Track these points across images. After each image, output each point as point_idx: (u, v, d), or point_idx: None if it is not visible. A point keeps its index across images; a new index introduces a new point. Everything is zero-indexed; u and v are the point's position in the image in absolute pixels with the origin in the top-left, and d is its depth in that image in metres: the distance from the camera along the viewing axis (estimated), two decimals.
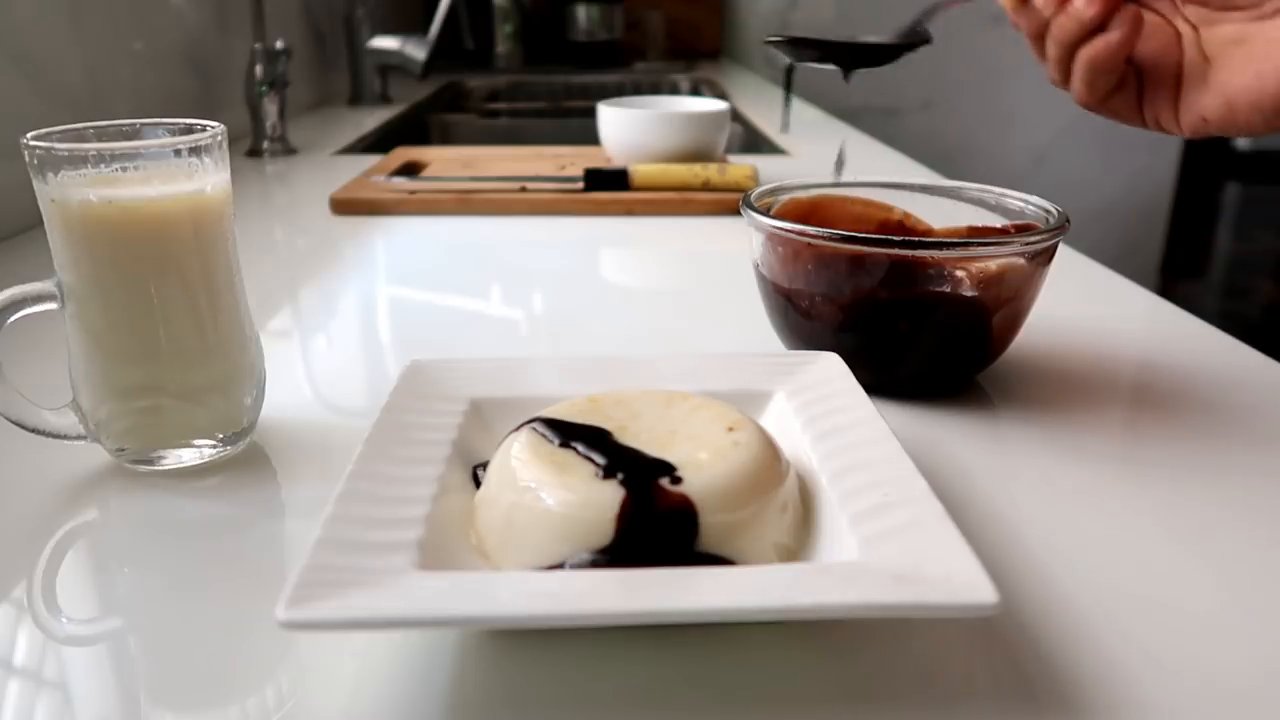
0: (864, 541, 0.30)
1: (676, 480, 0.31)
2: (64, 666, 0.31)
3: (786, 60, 0.51)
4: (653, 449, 0.33)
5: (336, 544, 0.29)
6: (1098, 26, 0.42)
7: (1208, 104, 0.42)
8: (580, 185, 0.88)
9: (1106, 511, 0.39)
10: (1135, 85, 0.44)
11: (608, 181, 0.88)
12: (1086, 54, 0.43)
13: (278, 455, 0.44)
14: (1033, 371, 0.52)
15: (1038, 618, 0.32)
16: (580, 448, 0.33)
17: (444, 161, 1.03)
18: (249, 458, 0.43)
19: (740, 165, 0.90)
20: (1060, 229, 0.46)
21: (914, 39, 0.49)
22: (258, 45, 1.11)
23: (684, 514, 0.31)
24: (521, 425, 0.35)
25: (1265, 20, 0.41)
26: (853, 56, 0.46)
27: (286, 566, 0.36)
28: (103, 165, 0.38)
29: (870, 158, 1.15)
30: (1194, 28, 0.43)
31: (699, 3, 2.49)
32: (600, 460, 0.32)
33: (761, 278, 0.51)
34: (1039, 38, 0.45)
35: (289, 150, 1.15)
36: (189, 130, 0.40)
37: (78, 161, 0.37)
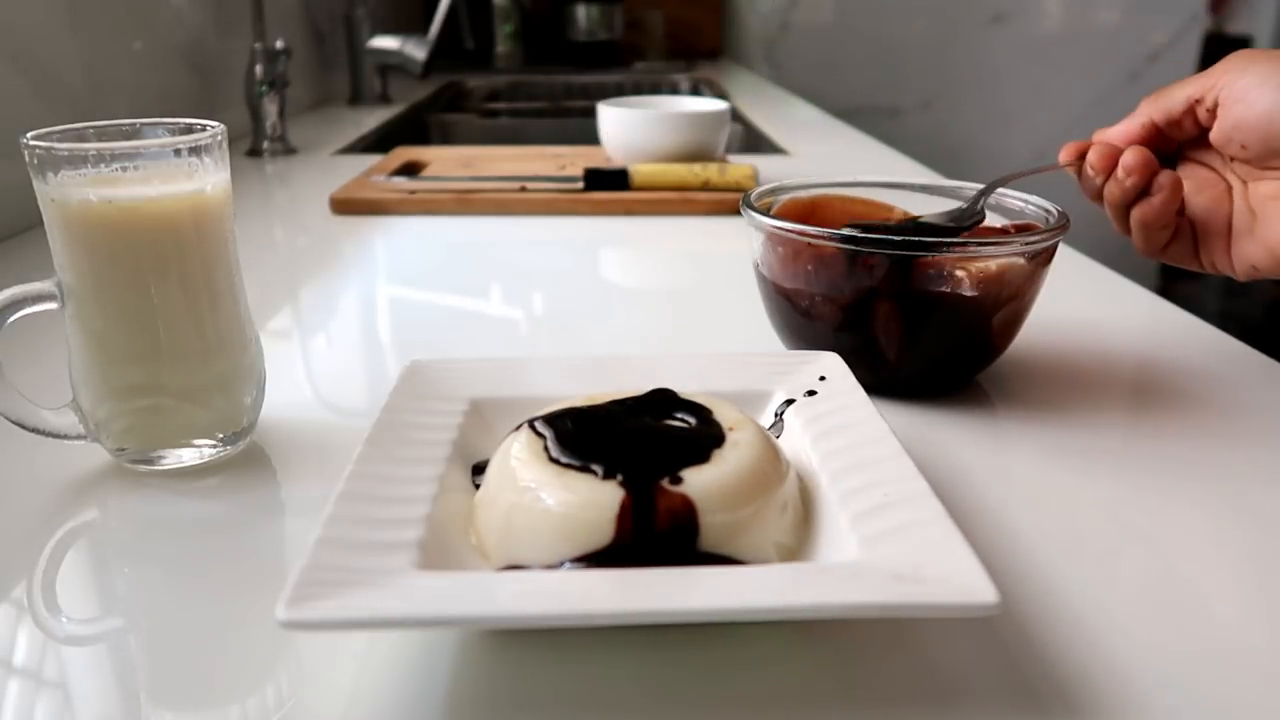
0: (864, 541, 0.30)
1: (677, 480, 0.31)
2: (64, 666, 0.31)
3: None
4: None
5: (336, 544, 0.29)
6: (1143, 190, 0.47)
7: (1256, 254, 0.46)
8: (580, 185, 0.88)
9: (1106, 510, 0.39)
10: (1190, 235, 0.48)
11: (608, 181, 0.88)
12: (1137, 215, 0.47)
13: (278, 455, 0.44)
14: (1033, 371, 0.52)
15: (1038, 618, 0.32)
16: (574, 460, 0.32)
17: (444, 161, 1.03)
18: (249, 458, 0.43)
19: (740, 165, 0.90)
20: (1060, 229, 0.46)
21: (971, 220, 0.50)
22: (258, 45, 1.11)
23: (684, 514, 0.31)
24: (521, 425, 0.35)
25: None
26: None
27: (286, 566, 0.36)
28: (103, 165, 0.38)
29: (870, 158, 1.15)
30: (1242, 182, 0.46)
31: (699, 3, 2.49)
32: (597, 468, 0.32)
33: (761, 278, 0.51)
34: (1099, 198, 0.49)
35: (289, 150, 1.15)
36: (189, 130, 0.40)
37: (78, 161, 0.37)
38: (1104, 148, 0.48)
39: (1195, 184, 0.48)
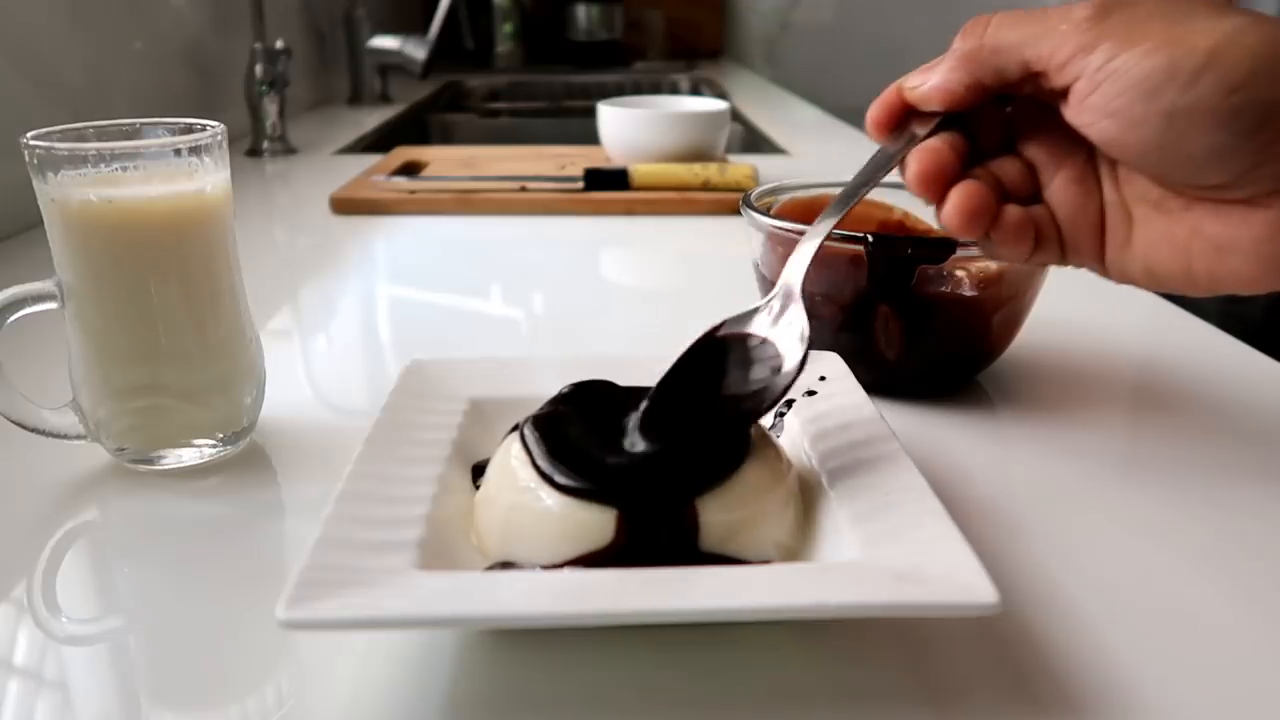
0: (864, 541, 0.30)
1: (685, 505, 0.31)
2: (64, 666, 0.31)
3: None
4: None
5: (336, 543, 0.29)
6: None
7: (1133, 270, 0.36)
8: (580, 185, 0.88)
9: (1106, 510, 0.39)
10: (1055, 233, 0.37)
11: (608, 181, 0.88)
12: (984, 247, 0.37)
13: (278, 455, 0.44)
14: (1033, 371, 0.52)
15: (1038, 618, 0.32)
16: (570, 483, 0.31)
17: (444, 161, 1.03)
18: (249, 458, 0.43)
19: (740, 165, 0.90)
20: None
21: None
22: (258, 45, 1.11)
23: (684, 514, 0.31)
24: (520, 424, 0.35)
25: (1190, 201, 0.34)
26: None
27: (286, 566, 0.36)
28: (103, 165, 0.38)
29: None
30: (1112, 167, 0.36)
31: (699, 3, 2.49)
32: (598, 501, 0.31)
33: (761, 278, 0.51)
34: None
35: (289, 150, 1.15)
36: (189, 130, 0.40)
37: (78, 161, 0.37)
38: (926, 163, 0.36)
39: (1049, 158, 0.36)
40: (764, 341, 0.36)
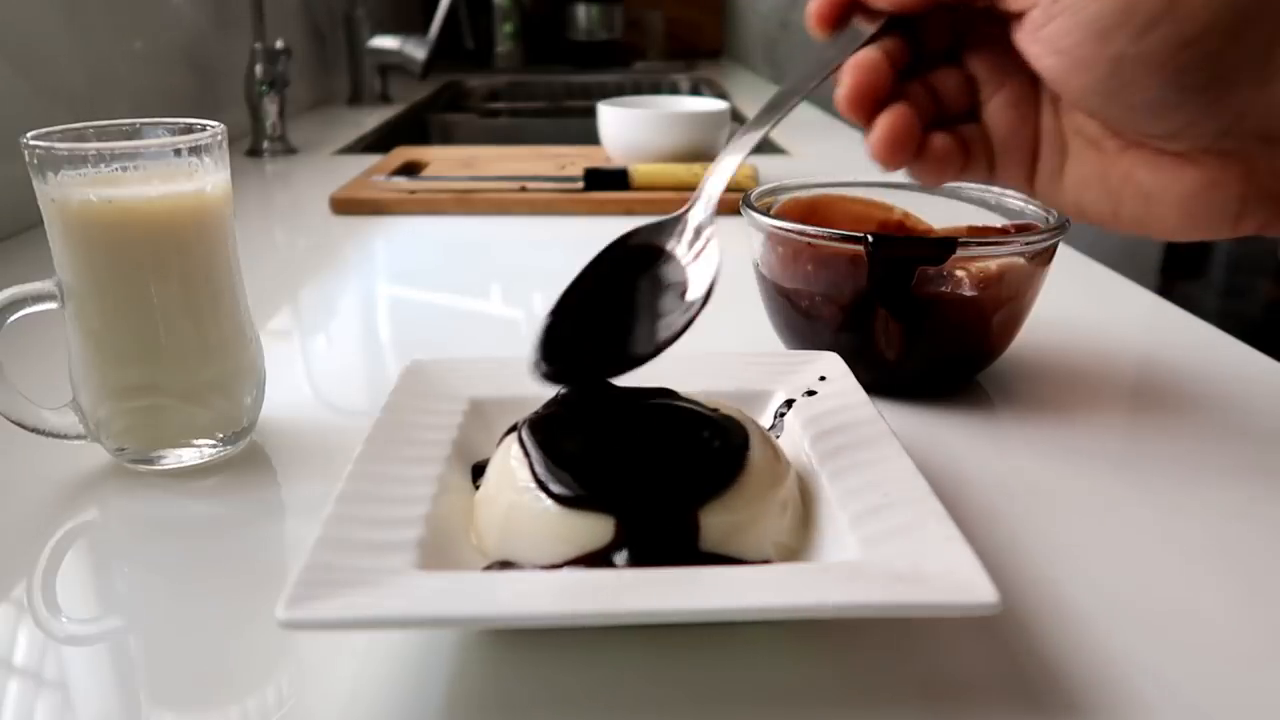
0: (864, 541, 0.30)
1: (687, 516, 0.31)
2: (64, 666, 0.31)
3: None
4: None
5: (336, 543, 0.29)
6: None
7: (1060, 202, 0.36)
8: (580, 185, 0.88)
9: (1106, 511, 0.39)
10: (985, 149, 0.36)
11: (607, 181, 0.88)
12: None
13: (278, 455, 0.44)
14: (1033, 371, 0.52)
15: (1038, 618, 0.32)
16: (568, 493, 0.31)
17: (444, 161, 1.03)
18: (249, 458, 0.43)
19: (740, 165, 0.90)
20: (1060, 229, 0.46)
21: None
22: (258, 45, 1.11)
23: (685, 520, 0.31)
24: (519, 424, 0.35)
25: (1123, 146, 0.34)
26: None
27: (286, 566, 0.36)
28: (103, 165, 0.38)
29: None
30: (1053, 96, 0.35)
31: (699, 3, 2.49)
32: (597, 512, 0.30)
33: (761, 278, 0.51)
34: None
35: (289, 150, 1.15)
36: (189, 130, 0.40)
37: (78, 161, 0.37)
38: (858, 81, 0.34)
39: (992, 75, 0.35)
40: (674, 261, 0.35)
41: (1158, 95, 0.30)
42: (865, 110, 0.35)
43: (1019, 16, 0.32)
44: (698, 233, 0.35)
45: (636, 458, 0.32)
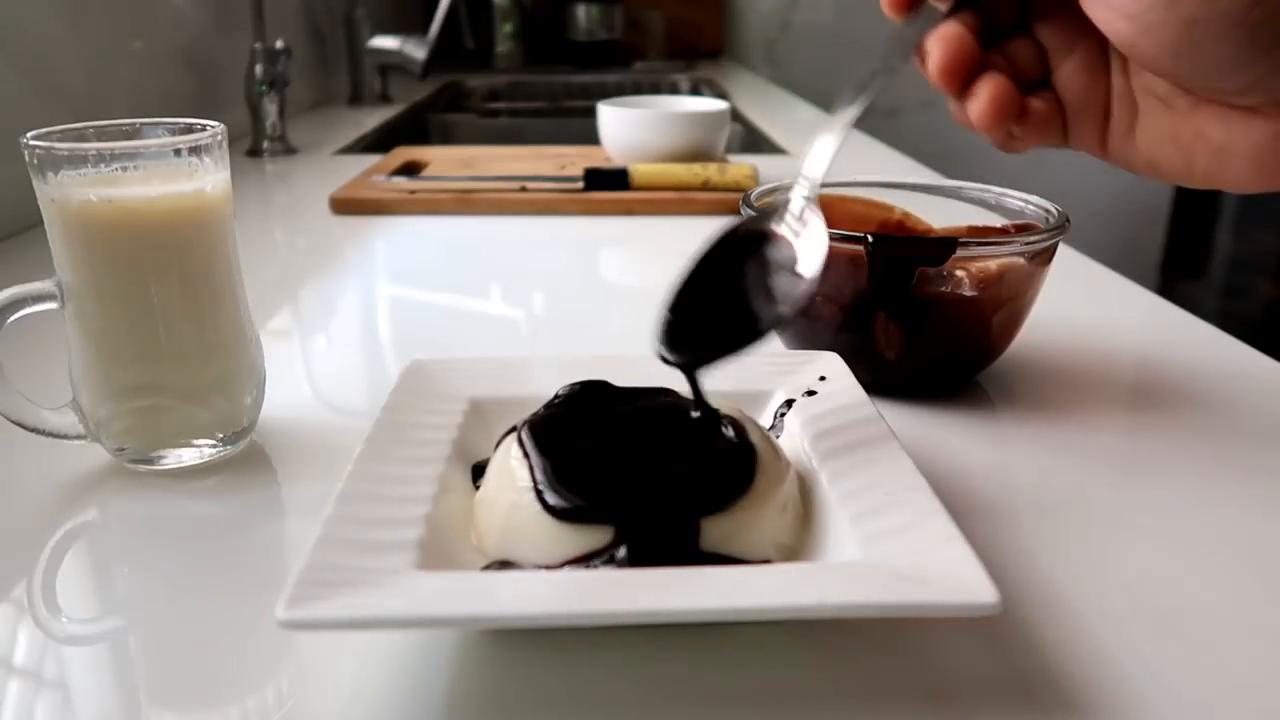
0: (864, 541, 0.30)
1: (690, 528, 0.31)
2: (64, 666, 0.31)
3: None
4: None
5: (336, 543, 0.29)
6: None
7: (1134, 157, 0.36)
8: (580, 185, 0.88)
9: (1106, 510, 0.39)
10: (1059, 116, 0.37)
11: (607, 181, 0.88)
12: (973, 118, 0.36)
13: (278, 455, 0.44)
14: (1033, 371, 0.52)
15: (1038, 618, 0.32)
16: (563, 504, 0.31)
17: (444, 161, 1.03)
18: (249, 458, 0.43)
19: (740, 165, 0.90)
20: (1060, 229, 0.46)
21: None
22: (258, 45, 1.11)
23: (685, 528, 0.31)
24: (519, 425, 0.35)
25: (1195, 103, 0.34)
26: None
27: (286, 566, 0.36)
28: (103, 165, 0.38)
29: (870, 158, 1.15)
30: (1122, 58, 0.36)
31: (699, 3, 2.49)
32: (598, 526, 0.30)
33: None
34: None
35: (289, 150, 1.15)
36: (189, 130, 0.40)
37: (78, 161, 0.37)
38: (949, 53, 0.35)
39: (1061, 42, 0.36)
40: (783, 242, 0.36)
41: (1230, 53, 0.31)
42: (958, 80, 0.35)
43: None
44: (800, 215, 0.37)
45: (638, 470, 0.32)
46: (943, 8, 0.36)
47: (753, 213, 0.37)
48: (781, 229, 0.37)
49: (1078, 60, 0.36)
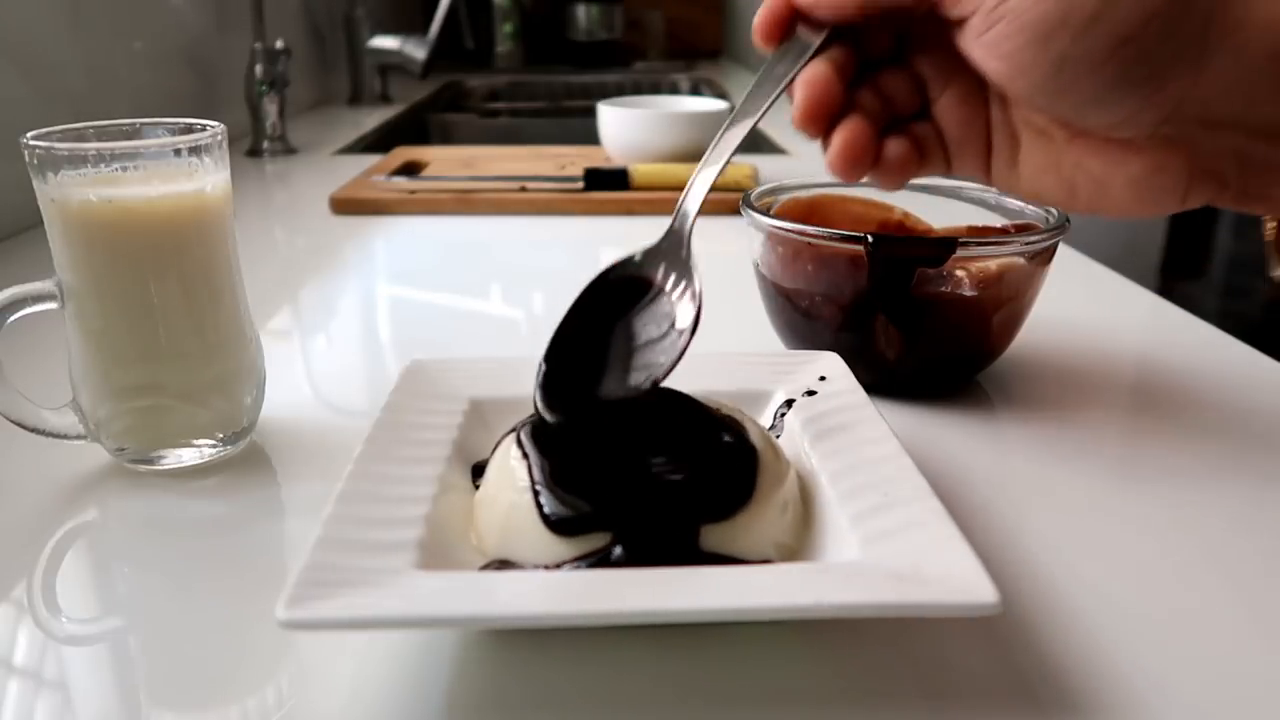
0: (864, 541, 0.30)
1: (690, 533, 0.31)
2: (64, 666, 0.31)
3: None
4: None
5: (336, 543, 0.29)
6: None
7: (1017, 188, 0.37)
8: (580, 185, 0.88)
9: (1106, 511, 0.39)
10: (940, 147, 0.37)
11: (607, 181, 0.88)
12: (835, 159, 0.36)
13: (278, 455, 0.44)
14: (1033, 371, 0.52)
15: (1038, 618, 0.32)
16: (562, 513, 0.30)
17: (444, 161, 1.03)
18: (249, 458, 0.43)
19: (740, 165, 0.90)
20: (1060, 229, 0.46)
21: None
22: (258, 45, 1.11)
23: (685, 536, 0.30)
24: (519, 425, 0.35)
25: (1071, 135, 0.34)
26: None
27: (286, 566, 0.36)
28: (103, 165, 0.38)
29: None
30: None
31: (699, 3, 2.49)
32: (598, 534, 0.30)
33: (761, 278, 0.51)
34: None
35: (289, 150, 1.15)
36: (189, 130, 0.40)
37: (78, 161, 0.37)
38: (810, 97, 0.35)
39: (938, 73, 0.36)
40: (660, 292, 0.35)
41: (1101, 91, 0.31)
42: (819, 125, 0.35)
43: (960, 22, 0.33)
44: (676, 263, 0.36)
45: (637, 478, 0.31)
46: (814, 38, 0.35)
47: (634, 254, 0.36)
48: (659, 273, 0.36)
49: (956, 92, 0.36)
